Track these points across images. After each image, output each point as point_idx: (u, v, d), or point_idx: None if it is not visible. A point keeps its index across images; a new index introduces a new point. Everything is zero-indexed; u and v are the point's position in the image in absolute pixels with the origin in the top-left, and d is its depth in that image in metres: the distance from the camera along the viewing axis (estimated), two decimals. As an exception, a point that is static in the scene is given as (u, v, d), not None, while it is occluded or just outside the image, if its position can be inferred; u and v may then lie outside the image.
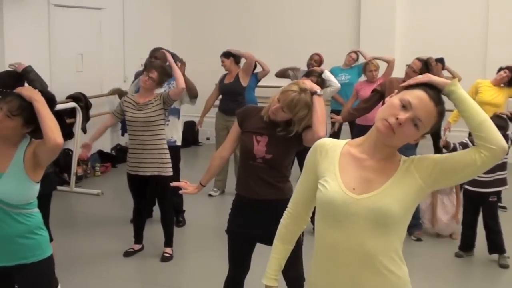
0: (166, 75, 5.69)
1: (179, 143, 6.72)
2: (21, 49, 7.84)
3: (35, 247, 3.15)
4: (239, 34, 11.15)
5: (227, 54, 7.88)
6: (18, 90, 3.06)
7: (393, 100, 2.25)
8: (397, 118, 2.18)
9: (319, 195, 2.35)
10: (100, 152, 9.50)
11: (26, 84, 4.99)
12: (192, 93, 6.44)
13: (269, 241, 3.78)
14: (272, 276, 2.61)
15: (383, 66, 8.12)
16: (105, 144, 9.83)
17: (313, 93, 3.59)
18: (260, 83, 8.84)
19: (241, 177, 3.82)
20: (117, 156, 9.57)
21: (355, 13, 10.70)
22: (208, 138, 11.46)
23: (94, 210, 7.63)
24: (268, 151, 3.64)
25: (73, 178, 8.30)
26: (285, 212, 2.61)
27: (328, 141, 2.45)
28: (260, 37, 11.06)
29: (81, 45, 9.28)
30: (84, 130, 8.24)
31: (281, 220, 2.63)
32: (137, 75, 7.70)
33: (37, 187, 3.14)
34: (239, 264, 3.93)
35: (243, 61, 7.99)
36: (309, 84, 3.67)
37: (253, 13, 11.31)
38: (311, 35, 10.71)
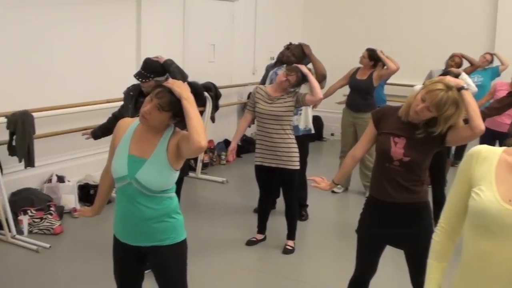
0: (302, 82, 5.71)
1: (313, 130, 6.76)
2: (157, 39, 8.11)
3: (171, 230, 3.24)
4: (370, 28, 11.03)
5: (373, 56, 7.71)
6: (170, 84, 3.10)
7: None
8: None
9: (472, 203, 2.26)
10: (226, 141, 9.68)
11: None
12: (319, 74, 6.34)
13: (399, 244, 3.76)
14: None
15: None
16: (232, 133, 9.95)
17: (460, 88, 3.44)
18: (389, 81, 8.71)
19: (376, 179, 3.73)
20: (243, 146, 9.70)
21: (492, 13, 10.29)
22: (332, 134, 11.43)
23: (218, 197, 7.79)
24: (406, 153, 3.53)
25: (199, 165, 8.54)
26: (438, 228, 2.51)
27: (485, 148, 2.34)
28: (391, 33, 10.84)
29: (213, 36, 9.48)
30: (212, 119, 8.41)
31: (434, 236, 2.52)
32: (268, 68, 7.78)
33: (176, 174, 3.20)
34: (366, 265, 3.86)
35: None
36: (453, 80, 3.52)
37: (386, 9, 11.10)
38: (444, 34, 10.40)
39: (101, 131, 5.63)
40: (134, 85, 5.30)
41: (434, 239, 2.52)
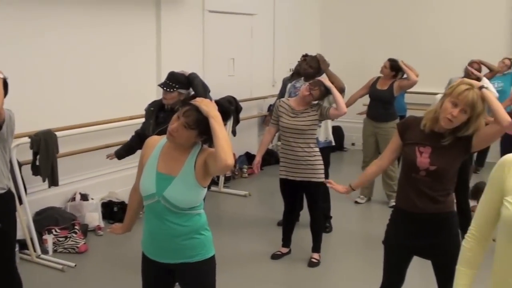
0: (325, 95, 5.70)
1: (333, 142, 6.71)
2: (177, 52, 8.14)
3: (199, 247, 3.23)
4: (389, 39, 11.02)
5: (394, 66, 7.68)
6: (198, 102, 3.10)
7: None
8: None
9: (505, 213, 2.26)
10: (247, 154, 9.68)
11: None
12: (337, 88, 6.30)
13: (427, 255, 3.72)
14: None
15: None
16: (253, 146, 10.00)
17: (481, 87, 3.41)
18: (409, 89, 8.67)
19: (403, 190, 3.70)
20: (265, 159, 9.65)
21: (510, 19, 10.24)
22: (353, 144, 11.39)
23: (242, 210, 7.80)
24: (432, 162, 3.49)
25: (221, 179, 8.54)
26: (468, 235, 2.53)
27: None
28: (410, 42, 10.83)
29: (233, 50, 9.51)
30: (234, 133, 8.42)
31: (464, 243, 2.54)
32: (285, 82, 7.79)
33: (204, 191, 3.20)
34: (394, 276, 3.83)
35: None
36: (469, 81, 3.47)
37: (405, 18, 11.08)
38: (463, 41, 10.37)
39: (125, 150, 5.67)
40: (154, 101, 5.38)
41: (464, 246, 2.53)
